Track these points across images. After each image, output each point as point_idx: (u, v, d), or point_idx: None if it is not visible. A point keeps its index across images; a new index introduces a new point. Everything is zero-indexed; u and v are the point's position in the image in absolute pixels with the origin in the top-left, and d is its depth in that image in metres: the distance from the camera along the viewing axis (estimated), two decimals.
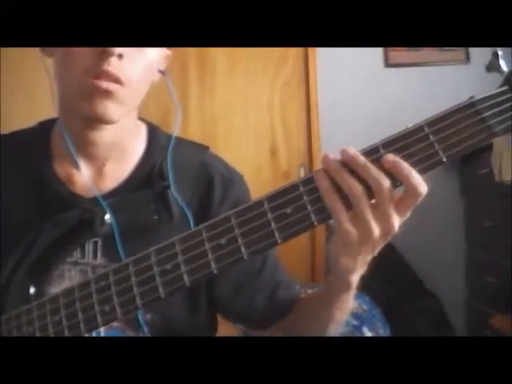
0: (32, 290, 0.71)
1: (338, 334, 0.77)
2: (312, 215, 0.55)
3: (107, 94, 0.71)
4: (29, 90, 2.66)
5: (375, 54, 2.89)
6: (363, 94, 2.86)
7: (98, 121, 0.74)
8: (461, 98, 0.56)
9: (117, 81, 0.71)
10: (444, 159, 0.53)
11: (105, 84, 0.70)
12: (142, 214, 0.77)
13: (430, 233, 2.69)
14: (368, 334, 2.05)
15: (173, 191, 0.78)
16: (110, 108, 0.72)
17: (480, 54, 2.70)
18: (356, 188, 0.54)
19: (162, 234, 0.75)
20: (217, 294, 0.82)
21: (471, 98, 0.54)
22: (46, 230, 0.73)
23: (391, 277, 2.55)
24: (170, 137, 0.85)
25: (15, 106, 2.66)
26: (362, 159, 0.54)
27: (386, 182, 0.53)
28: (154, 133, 0.86)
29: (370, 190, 0.54)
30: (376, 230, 0.55)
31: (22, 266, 0.71)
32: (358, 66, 2.88)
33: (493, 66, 0.57)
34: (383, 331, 2.13)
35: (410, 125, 0.55)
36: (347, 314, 0.75)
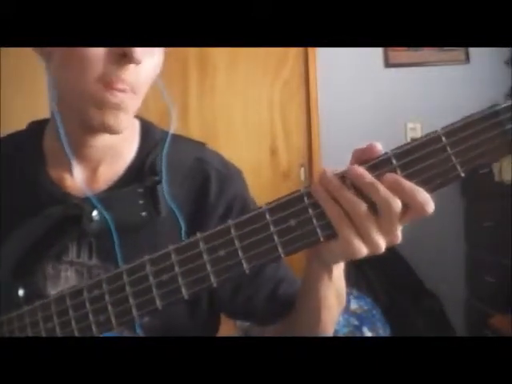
0: (21, 292, 0.68)
1: (340, 335, 0.76)
2: (318, 230, 0.52)
3: (121, 104, 0.68)
4: (29, 90, 2.66)
5: (375, 54, 2.89)
6: (363, 94, 2.86)
7: (107, 131, 0.71)
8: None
9: (131, 90, 0.68)
10: (462, 174, 0.49)
11: (120, 95, 0.67)
12: (131, 211, 0.75)
13: (430, 233, 2.69)
14: (368, 334, 2.06)
15: (164, 186, 0.76)
16: (121, 119, 0.69)
17: (480, 54, 2.70)
18: (359, 207, 0.51)
19: (152, 231, 0.73)
20: (217, 294, 0.80)
21: (495, 105, 0.48)
22: (32, 225, 0.71)
23: (391, 277, 2.55)
24: (165, 133, 0.82)
25: (15, 106, 2.66)
26: (370, 178, 0.50)
27: (395, 204, 0.50)
28: (147, 129, 0.84)
29: (373, 206, 0.51)
30: (383, 246, 0.53)
31: (8, 264, 0.69)
32: (357, 65, 2.89)
33: None
34: (383, 331, 2.13)
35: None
36: (337, 295, 0.70)
